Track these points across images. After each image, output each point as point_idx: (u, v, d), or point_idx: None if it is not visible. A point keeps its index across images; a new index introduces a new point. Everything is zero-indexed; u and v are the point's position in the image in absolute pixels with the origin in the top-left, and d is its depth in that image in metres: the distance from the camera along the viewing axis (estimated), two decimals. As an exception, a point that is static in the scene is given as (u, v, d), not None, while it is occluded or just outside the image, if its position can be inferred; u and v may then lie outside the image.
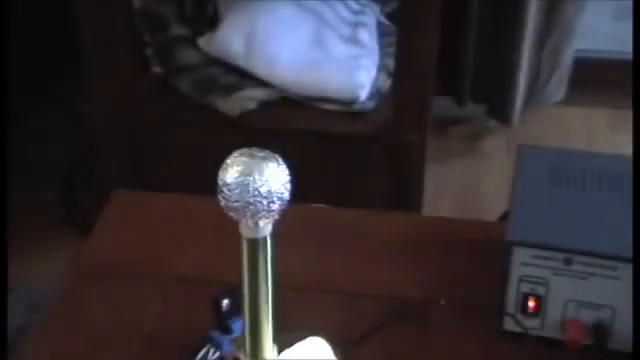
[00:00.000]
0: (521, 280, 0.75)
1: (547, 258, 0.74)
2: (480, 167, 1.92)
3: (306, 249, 0.86)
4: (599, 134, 1.98)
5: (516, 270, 0.74)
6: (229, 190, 0.63)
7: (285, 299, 0.69)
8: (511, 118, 1.92)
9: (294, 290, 0.77)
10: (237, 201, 0.63)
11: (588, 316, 0.74)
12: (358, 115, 1.50)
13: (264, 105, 1.51)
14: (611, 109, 2.02)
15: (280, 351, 0.70)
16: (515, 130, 1.93)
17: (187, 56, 1.54)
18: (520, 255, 0.74)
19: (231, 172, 0.64)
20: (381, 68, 1.55)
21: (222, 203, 0.64)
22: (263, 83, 1.51)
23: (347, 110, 1.50)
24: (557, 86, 1.94)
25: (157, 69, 1.56)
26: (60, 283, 0.85)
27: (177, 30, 1.56)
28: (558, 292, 0.74)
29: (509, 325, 0.76)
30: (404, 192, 1.50)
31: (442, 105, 1.93)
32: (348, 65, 1.51)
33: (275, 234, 0.66)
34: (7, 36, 1.68)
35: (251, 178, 0.63)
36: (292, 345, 0.69)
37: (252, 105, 1.50)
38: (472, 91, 1.95)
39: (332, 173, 1.49)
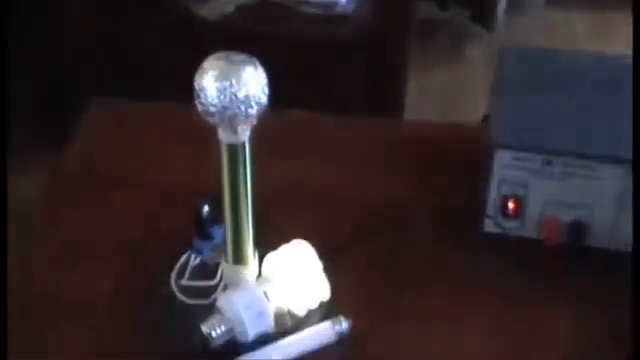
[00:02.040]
0: (501, 182, 0.75)
1: (527, 160, 0.74)
2: (463, 73, 1.90)
3: (287, 155, 0.86)
4: (583, 37, 1.96)
5: (497, 173, 0.75)
6: (206, 95, 0.62)
7: (266, 205, 0.69)
8: (494, 23, 1.89)
9: (275, 196, 0.77)
10: (214, 106, 0.62)
11: (566, 215, 0.75)
12: (339, 19, 1.47)
13: (243, 9, 1.47)
14: (595, 12, 2.00)
15: (262, 256, 0.71)
16: (498, 35, 1.91)
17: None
18: (500, 157, 0.74)
19: (208, 76, 0.62)
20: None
21: (199, 108, 0.63)
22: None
23: (328, 13, 1.46)
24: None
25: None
26: (40, 194, 0.85)
27: None
28: (537, 193, 0.75)
29: (489, 227, 0.77)
30: (386, 97, 1.49)
31: (425, 9, 1.89)
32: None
33: (256, 141, 0.66)
34: None
35: (228, 83, 0.62)
36: (276, 248, 0.70)
37: (230, 9, 1.46)
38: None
39: (313, 78, 1.47)
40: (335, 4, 1.46)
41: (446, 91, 1.86)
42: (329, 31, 1.46)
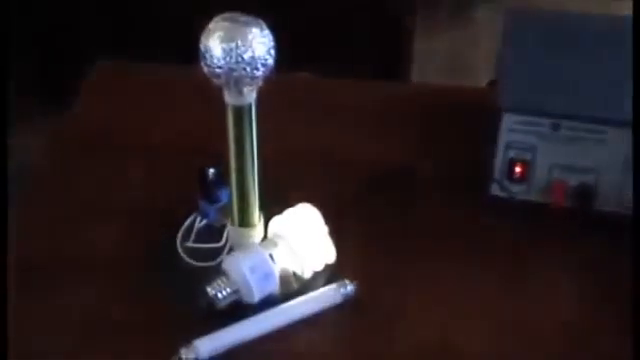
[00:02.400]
0: (509, 146, 0.75)
1: (534, 124, 0.73)
2: (470, 36, 1.88)
3: (291, 117, 0.86)
4: (592, 2, 1.94)
5: (504, 136, 0.74)
6: (211, 56, 0.62)
7: (271, 168, 0.69)
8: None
9: (280, 158, 0.77)
10: (220, 67, 0.62)
11: (573, 179, 0.75)
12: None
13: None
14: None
15: (268, 219, 0.71)
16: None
17: None
18: (508, 121, 0.73)
19: (213, 38, 0.62)
20: None
21: (205, 70, 0.63)
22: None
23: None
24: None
25: None
26: (41, 156, 0.85)
27: None
28: (545, 157, 0.74)
29: (496, 191, 0.77)
30: (392, 61, 1.48)
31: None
32: None
33: (260, 103, 0.65)
34: None
35: (234, 44, 0.61)
36: (281, 212, 0.70)
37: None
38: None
39: (318, 42, 1.46)
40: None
41: (452, 54, 1.85)
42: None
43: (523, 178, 0.76)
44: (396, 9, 1.43)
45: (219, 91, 0.64)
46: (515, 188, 0.76)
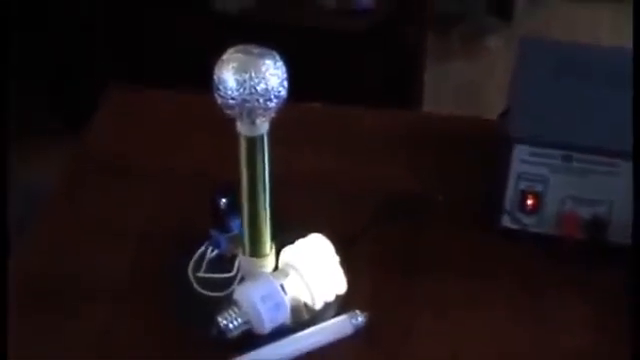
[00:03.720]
0: (520, 177, 0.75)
1: (546, 155, 0.73)
2: (481, 65, 1.89)
3: (303, 147, 0.86)
4: (604, 30, 1.94)
5: (515, 167, 0.74)
6: (225, 87, 0.62)
7: (283, 197, 0.69)
8: (512, 14, 1.88)
9: (292, 188, 0.77)
10: (233, 99, 0.62)
11: (586, 211, 0.74)
12: (357, 11, 1.46)
13: (263, 2, 1.47)
14: (616, 3, 1.97)
15: (279, 249, 0.71)
16: (516, 27, 1.90)
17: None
18: (519, 152, 0.73)
19: (227, 69, 0.62)
20: (381, -38, 1.50)
21: (218, 100, 0.63)
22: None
23: (346, 7, 1.46)
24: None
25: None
26: (57, 179, 0.85)
27: None
28: (556, 189, 0.74)
29: (506, 222, 0.77)
30: (404, 90, 1.48)
31: (442, 1, 1.88)
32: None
33: (272, 132, 0.66)
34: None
35: (247, 75, 0.62)
36: (293, 242, 0.70)
37: (250, 2, 1.46)
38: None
39: (331, 70, 1.47)
40: (354, -4, 1.45)
41: (464, 83, 1.85)
42: (348, 23, 1.46)
43: (535, 210, 0.75)
44: (408, 36, 1.44)
45: (232, 121, 0.65)
46: (526, 220, 0.76)
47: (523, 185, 0.75)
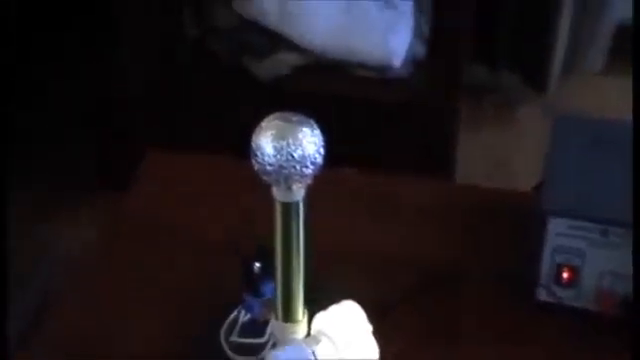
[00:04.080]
0: (556, 250, 0.74)
1: (583, 229, 0.73)
2: (514, 136, 1.89)
3: (338, 214, 0.86)
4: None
5: (551, 240, 0.74)
6: (263, 154, 0.63)
7: (316, 263, 0.69)
8: (547, 86, 1.89)
9: (326, 254, 0.78)
10: (271, 165, 0.63)
11: (624, 287, 0.73)
12: (391, 81, 1.48)
13: (297, 69, 1.50)
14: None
15: (312, 314, 0.70)
16: (550, 99, 1.90)
17: (222, 18, 1.53)
18: (555, 225, 0.73)
19: (265, 136, 0.63)
20: (416, 35, 1.53)
21: (256, 167, 0.64)
22: (297, 47, 1.50)
23: (381, 76, 1.48)
24: (596, 55, 1.90)
25: (193, 30, 1.56)
26: (92, 243, 0.86)
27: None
28: (593, 263, 0.73)
29: (542, 296, 0.76)
30: (437, 159, 1.49)
31: (476, 71, 1.90)
32: (383, 31, 1.49)
33: (307, 198, 0.66)
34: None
35: (285, 142, 0.63)
36: (325, 308, 0.70)
37: (285, 70, 1.49)
38: (507, 58, 1.92)
39: (364, 139, 1.49)
40: (389, 67, 1.48)
41: (495, 153, 1.85)
42: (383, 93, 1.48)
43: (571, 283, 0.74)
44: (441, 109, 1.46)
45: (268, 186, 0.65)
46: (562, 293, 0.75)
47: (559, 258, 0.74)
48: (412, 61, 1.50)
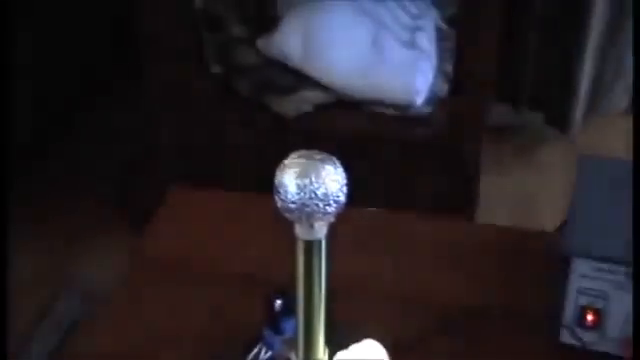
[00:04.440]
0: (579, 292, 0.73)
1: (608, 271, 0.72)
2: (537, 176, 1.88)
3: (358, 252, 0.86)
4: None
5: (575, 282, 0.73)
6: (286, 191, 0.63)
7: (338, 301, 0.69)
8: (571, 126, 1.88)
9: (347, 292, 0.77)
10: (293, 202, 0.63)
11: (649, 332, 0.72)
12: (414, 120, 1.49)
13: (319, 107, 1.51)
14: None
15: (332, 353, 0.70)
16: (574, 138, 1.89)
17: (246, 56, 1.55)
18: (580, 267, 0.72)
19: (289, 173, 0.64)
20: (439, 73, 1.54)
21: (278, 204, 0.64)
22: (319, 85, 1.51)
23: (403, 114, 1.49)
24: (621, 94, 1.89)
25: (216, 69, 1.58)
26: (115, 279, 0.87)
27: (237, 30, 1.57)
28: (618, 306, 0.72)
29: (566, 338, 0.75)
30: (458, 199, 1.48)
31: (498, 111, 1.90)
32: (405, 69, 1.50)
33: (329, 236, 0.66)
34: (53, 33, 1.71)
35: (308, 180, 0.63)
36: (346, 347, 0.69)
37: (308, 108, 1.50)
38: (530, 97, 1.92)
39: (385, 177, 1.49)
40: (410, 106, 1.48)
41: (517, 194, 1.84)
42: (405, 131, 1.48)
43: (595, 326, 0.73)
44: (463, 150, 1.45)
45: (290, 222, 0.65)
46: (586, 336, 0.74)
47: (583, 300, 0.73)
48: (434, 99, 1.50)
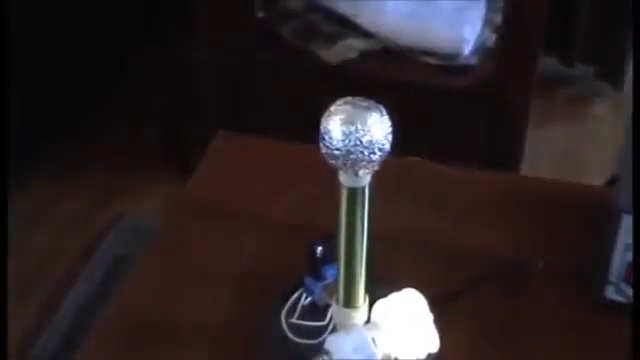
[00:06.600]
0: (627, 249, 0.72)
1: (657, 227, 0.70)
2: (585, 131, 1.84)
3: (402, 202, 0.86)
4: None
5: (623, 238, 0.71)
6: (331, 138, 0.63)
7: (379, 251, 0.69)
8: (622, 81, 1.83)
9: (388, 242, 0.77)
10: (338, 149, 0.63)
11: (697, 290, 0.71)
12: (460, 69, 1.46)
13: (364, 55, 1.49)
14: None
15: (372, 301, 0.70)
16: (625, 93, 1.85)
17: (291, 1, 1.54)
18: (629, 222, 0.71)
19: (334, 120, 0.63)
20: (487, 22, 1.50)
21: (323, 150, 0.64)
22: (365, 33, 1.49)
23: (449, 64, 1.46)
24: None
25: (261, 14, 1.56)
26: (160, 223, 0.88)
27: (282, -25, 1.55)
28: (666, 263, 0.71)
29: (611, 294, 0.74)
30: (503, 151, 1.46)
31: (549, 65, 1.86)
32: (453, 18, 1.47)
33: (373, 184, 0.66)
34: None
35: (353, 127, 0.62)
36: (386, 295, 0.69)
37: (353, 54, 1.49)
38: (581, 50, 1.87)
39: (430, 127, 1.47)
40: (458, 55, 1.45)
41: (565, 148, 1.81)
42: (451, 81, 1.45)
43: (641, 283, 0.72)
44: (511, 99, 1.43)
45: (333, 171, 0.65)
46: (632, 293, 0.73)
47: (631, 256, 0.72)
48: (482, 50, 1.47)
